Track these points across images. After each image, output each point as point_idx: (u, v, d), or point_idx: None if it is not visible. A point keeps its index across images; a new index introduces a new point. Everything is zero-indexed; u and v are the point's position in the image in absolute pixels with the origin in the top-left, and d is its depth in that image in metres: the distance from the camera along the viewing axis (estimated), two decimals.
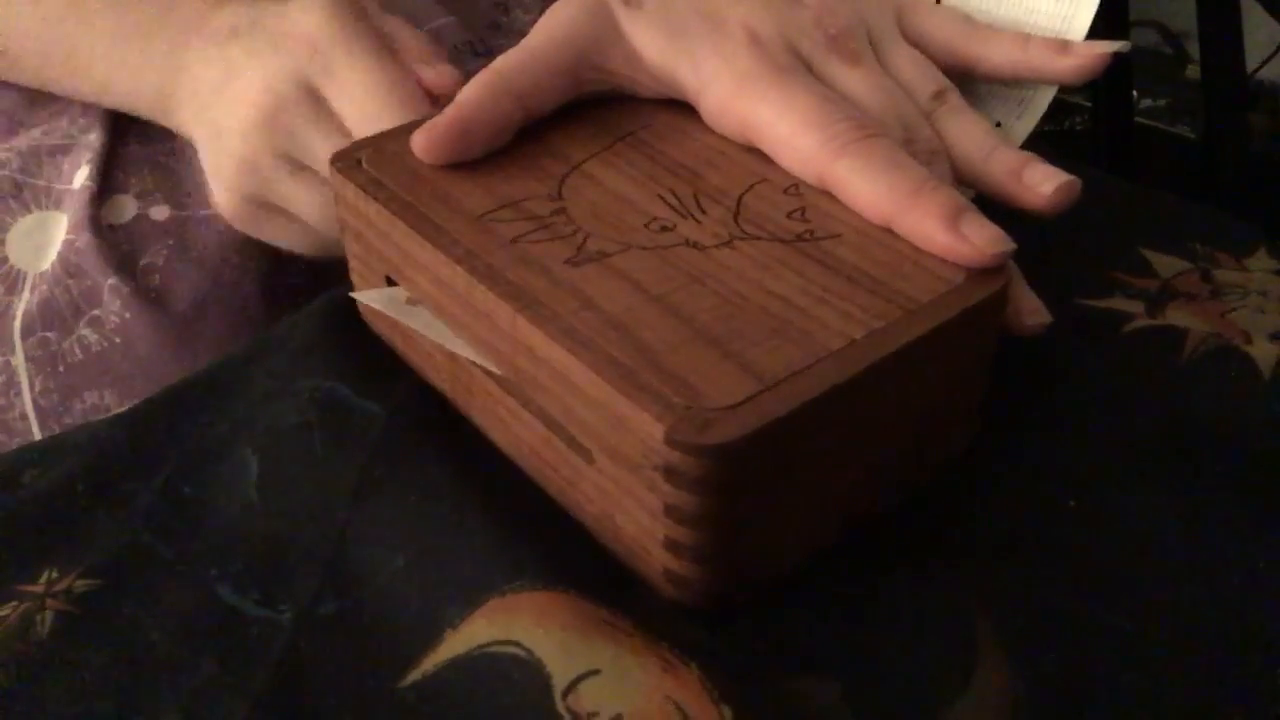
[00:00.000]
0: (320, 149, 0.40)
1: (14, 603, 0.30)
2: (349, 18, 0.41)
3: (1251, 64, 1.24)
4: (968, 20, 0.38)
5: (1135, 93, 1.28)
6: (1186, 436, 0.34)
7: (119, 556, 0.31)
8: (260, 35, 0.41)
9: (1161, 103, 1.42)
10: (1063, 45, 0.37)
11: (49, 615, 0.30)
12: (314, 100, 0.40)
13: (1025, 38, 0.38)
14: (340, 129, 0.40)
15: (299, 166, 0.41)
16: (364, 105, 0.39)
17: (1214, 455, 0.34)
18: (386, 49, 0.41)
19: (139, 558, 0.31)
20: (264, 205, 0.43)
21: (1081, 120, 1.40)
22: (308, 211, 0.42)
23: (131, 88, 0.45)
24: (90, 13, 0.45)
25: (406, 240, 0.32)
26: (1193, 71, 1.45)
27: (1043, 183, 0.34)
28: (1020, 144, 0.38)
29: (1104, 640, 0.29)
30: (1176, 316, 0.39)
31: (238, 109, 0.41)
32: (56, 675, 0.29)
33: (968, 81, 0.39)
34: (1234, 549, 0.31)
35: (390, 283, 0.34)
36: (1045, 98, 0.39)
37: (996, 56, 0.38)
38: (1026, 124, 0.39)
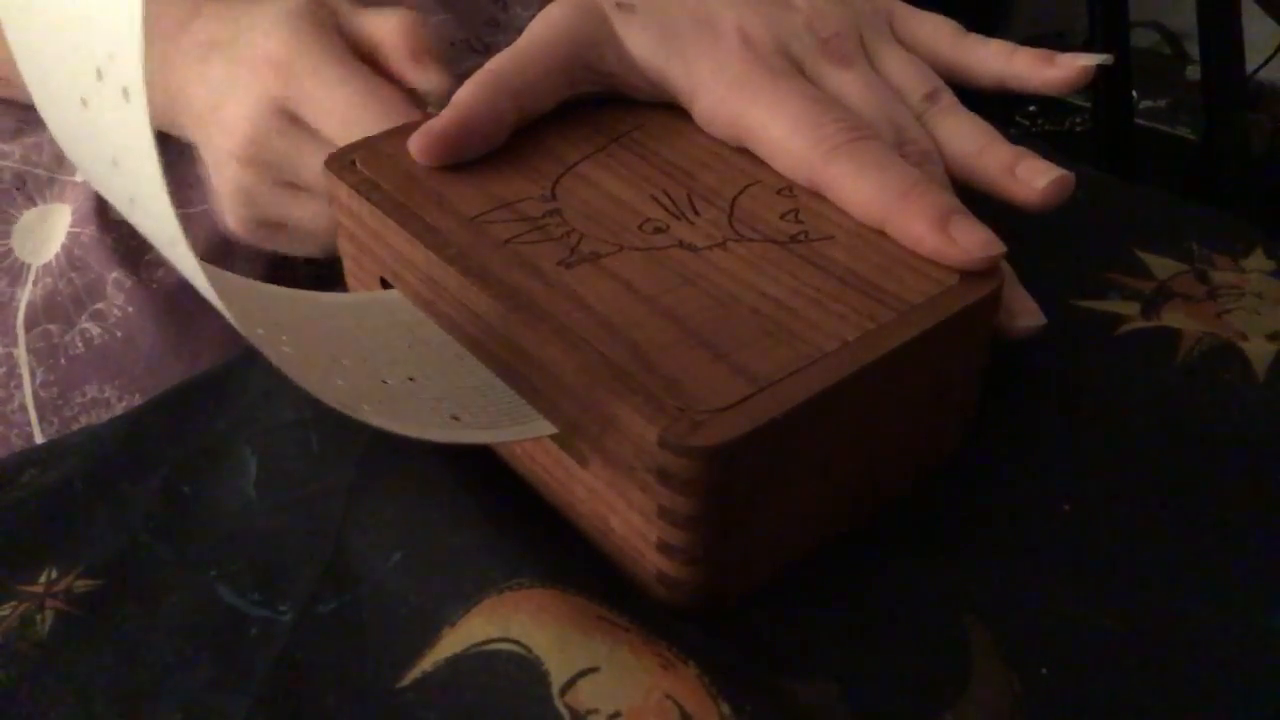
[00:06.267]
0: (309, 168, 0.40)
1: (14, 603, 0.31)
2: (312, 33, 0.40)
3: (1251, 64, 1.24)
4: (956, 28, 0.39)
5: (1135, 93, 1.28)
6: (1182, 437, 0.34)
7: (118, 556, 0.32)
8: (234, 56, 0.41)
9: (1161, 103, 1.42)
10: (1048, 56, 0.37)
11: (49, 615, 0.30)
12: (293, 122, 0.40)
13: (1012, 48, 0.38)
14: (327, 143, 0.39)
15: (295, 187, 0.41)
16: (340, 119, 0.39)
17: (1209, 456, 0.34)
18: (353, 58, 0.40)
19: (138, 558, 0.32)
20: (269, 223, 0.43)
21: (1081, 121, 1.40)
22: (311, 225, 0.42)
23: None
24: None
25: (400, 241, 0.32)
26: (1193, 71, 1.45)
27: (1036, 177, 0.34)
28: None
29: (1101, 642, 0.29)
30: (1172, 318, 0.39)
31: (226, 140, 0.41)
32: (56, 675, 0.29)
33: None
34: (1231, 550, 0.31)
35: (384, 284, 0.34)
36: None
37: (982, 65, 0.38)
38: None
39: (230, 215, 0.43)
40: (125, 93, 0.20)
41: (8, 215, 0.48)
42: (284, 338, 0.26)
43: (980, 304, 0.30)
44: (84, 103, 0.22)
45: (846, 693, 0.27)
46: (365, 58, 0.41)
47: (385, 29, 0.41)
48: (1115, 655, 0.28)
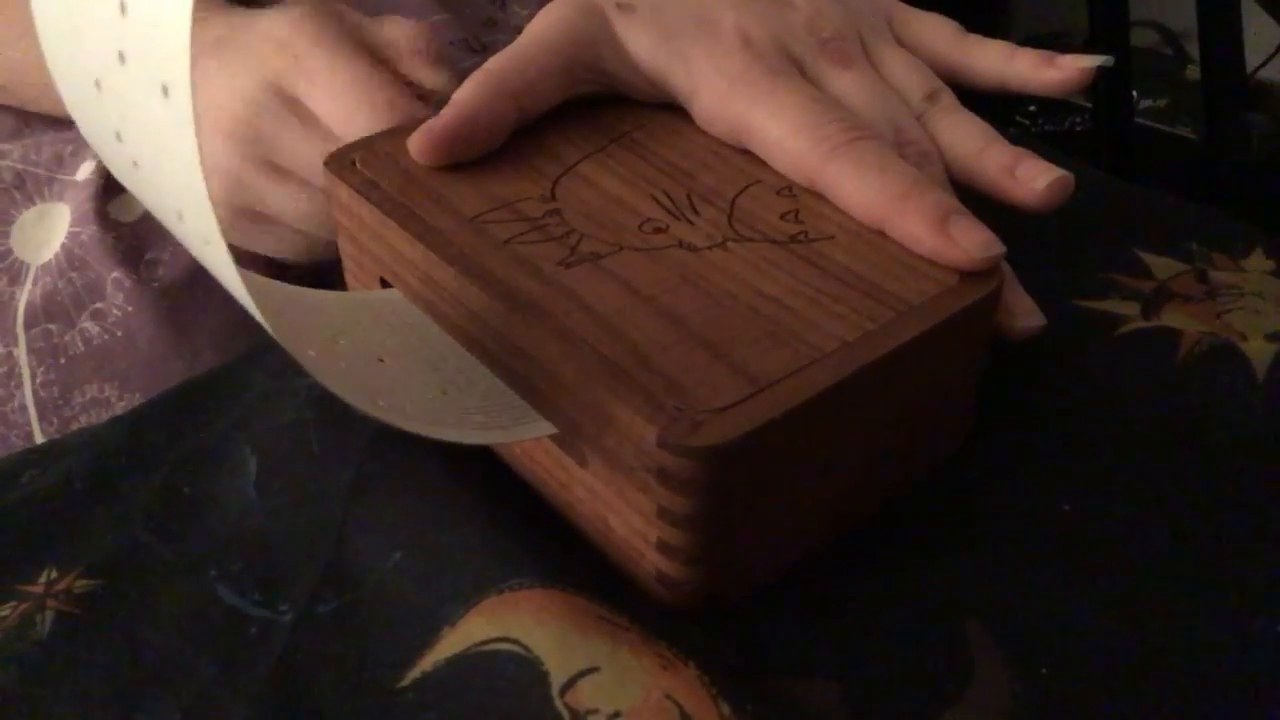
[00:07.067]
0: (301, 151, 0.40)
1: (14, 603, 0.31)
2: (319, 19, 0.40)
3: (1251, 64, 1.24)
4: (957, 29, 0.39)
5: (1135, 93, 1.28)
6: (1182, 438, 0.34)
7: (118, 556, 0.32)
8: (237, 45, 0.41)
9: (1161, 103, 1.42)
10: (1049, 58, 0.37)
11: (49, 615, 0.30)
12: (289, 103, 0.40)
13: (1012, 49, 0.38)
14: (319, 129, 0.39)
15: (282, 172, 0.41)
16: (340, 101, 0.38)
17: (1209, 456, 0.34)
18: (360, 47, 0.40)
19: (138, 557, 0.32)
20: (251, 216, 0.43)
21: (1081, 120, 1.40)
22: (294, 216, 0.42)
23: None
24: None
25: (399, 241, 0.32)
26: (1193, 71, 1.45)
27: (1036, 178, 0.34)
28: None
29: (1101, 642, 0.29)
30: (1172, 318, 0.39)
31: (215, 113, 0.40)
32: (56, 675, 0.29)
33: None
34: (1230, 551, 0.31)
35: (384, 284, 0.34)
36: None
37: (983, 66, 0.38)
38: None
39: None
40: None
41: (7, 215, 0.48)
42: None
43: (980, 304, 0.30)
44: None
45: (846, 693, 0.27)
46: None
47: (399, 31, 0.41)
48: (1115, 655, 0.28)
